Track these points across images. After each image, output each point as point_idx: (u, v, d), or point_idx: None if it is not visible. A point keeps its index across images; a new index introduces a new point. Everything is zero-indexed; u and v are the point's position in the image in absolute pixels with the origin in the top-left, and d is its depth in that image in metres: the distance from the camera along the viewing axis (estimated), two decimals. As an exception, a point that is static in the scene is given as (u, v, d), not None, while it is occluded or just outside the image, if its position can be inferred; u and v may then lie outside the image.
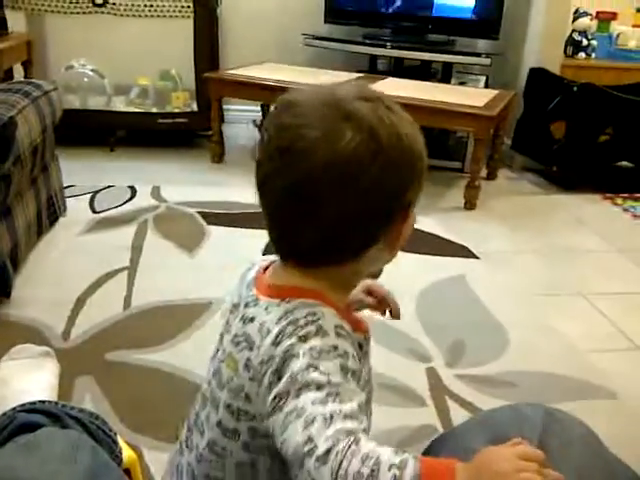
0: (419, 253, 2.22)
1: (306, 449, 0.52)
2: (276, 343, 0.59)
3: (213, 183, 2.82)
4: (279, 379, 0.58)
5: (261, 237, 2.32)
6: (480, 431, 0.60)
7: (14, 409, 0.82)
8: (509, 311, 1.88)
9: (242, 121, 3.80)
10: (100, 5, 2.96)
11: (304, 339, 0.58)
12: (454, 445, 0.63)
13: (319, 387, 0.55)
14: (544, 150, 3.10)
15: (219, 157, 3.12)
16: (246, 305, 0.68)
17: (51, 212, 2.19)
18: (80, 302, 1.76)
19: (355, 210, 0.60)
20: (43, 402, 0.88)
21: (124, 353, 1.54)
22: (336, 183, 0.59)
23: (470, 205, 2.71)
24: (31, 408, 0.82)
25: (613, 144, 3.03)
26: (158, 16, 3.01)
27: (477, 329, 1.78)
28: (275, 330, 0.60)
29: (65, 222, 2.27)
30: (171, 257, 2.07)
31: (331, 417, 0.53)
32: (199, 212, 2.43)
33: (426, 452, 0.65)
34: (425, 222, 2.51)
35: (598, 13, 3.72)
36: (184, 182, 2.81)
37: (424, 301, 1.90)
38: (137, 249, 2.10)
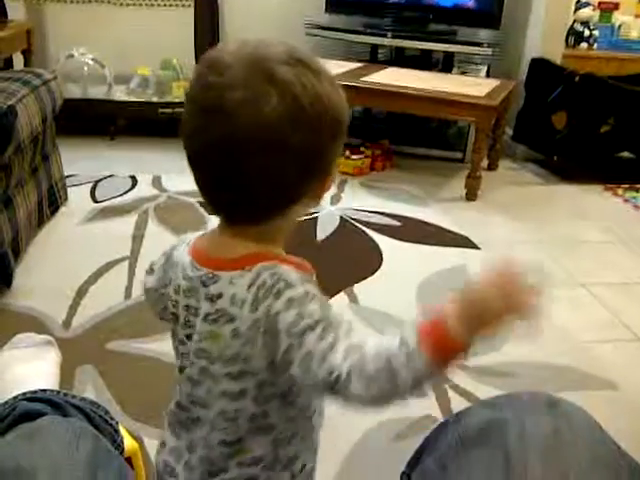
0: (420, 243, 2.23)
1: (332, 379, 0.59)
2: (254, 309, 0.64)
3: (214, 173, 2.82)
4: (273, 338, 0.63)
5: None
6: (479, 413, 0.60)
7: (15, 398, 0.82)
8: (510, 301, 1.88)
9: (243, 111, 3.79)
10: (100, -6, 2.95)
11: (278, 296, 0.63)
12: (455, 426, 0.64)
13: (313, 328, 0.61)
14: (545, 140, 3.10)
15: (220, 147, 3.11)
16: (204, 284, 0.69)
17: (52, 202, 2.19)
18: (81, 292, 1.76)
19: (279, 171, 0.63)
20: (44, 391, 0.88)
21: (125, 342, 1.54)
22: (260, 146, 0.61)
23: (471, 195, 2.71)
24: (32, 397, 0.82)
25: (614, 135, 3.02)
26: (159, 5, 3.00)
27: (477, 319, 1.78)
28: (249, 298, 0.64)
29: (66, 212, 2.27)
30: (172, 247, 2.07)
31: (335, 345, 0.60)
32: (200, 202, 2.42)
33: (429, 437, 0.66)
34: (426, 212, 2.52)
35: (600, 3, 3.71)
36: (185, 172, 2.76)
37: (425, 291, 1.90)
38: (138, 239, 2.10)
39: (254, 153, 0.62)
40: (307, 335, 0.61)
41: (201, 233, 0.76)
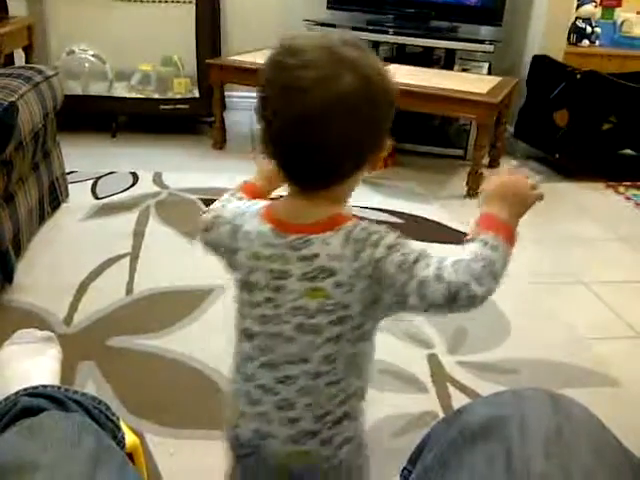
0: (422, 241, 2.22)
1: (453, 293, 0.71)
2: (354, 259, 0.74)
3: (215, 169, 2.81)
4: (379, 281, 0.74)
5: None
6: (480, 409, 0.60)
7: (17, 393, 0.82)
8: (511, 299, 1.88)
9: (244, 107, 3.78)
10: (101, -10, 2.95)
11: (377, 245, 0.74)
12: (456, 422, 0.63)
13: (416, 261, 0.73)
14: (547, 138, 3.09)
15: (221, 143, 3.11)
16: (294, 248, 0.77)
17: (53, 198, 2.19)
18: (82, 288, 1.76)
19: (353, 140, 0.73)
20: (45, 386, 0.88)
21: (126, 339, 1.54)
22: (338, 118, 0.71)
23: (472, 193, 2.70)
24: (34, 392, 0.82)
25: (616, 132, 3.02)
26: (160, 1, 3.00)
27: (479, 316, 1.77)
28: (348, 252, 0.74)
29: (67, 208, 2.27)
30: (173, 243, 2.07)
31: (442, 267, 0.73)
32: (201, 198, 2.43)
33: (430, 433, 0.66)
34: (428, 210, 2.51)
35: (602, 0, 3.70)
36: (186, 168, 2.80)
37: (426, 288, 1.90)
38: (139, 235, 2.10)
39: (333, 124, 0.71)
40: (416, 267, 0.73)
41: (266, 204, 0.85)
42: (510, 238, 0.77)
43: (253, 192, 0.93)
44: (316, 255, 0.76)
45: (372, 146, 0.76)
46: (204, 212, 0.91)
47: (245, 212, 0.84)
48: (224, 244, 0.86)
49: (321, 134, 0.71)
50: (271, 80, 0.74)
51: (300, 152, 0.74)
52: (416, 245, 0.76)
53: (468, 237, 0.78)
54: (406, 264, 0.73)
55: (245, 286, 0.83)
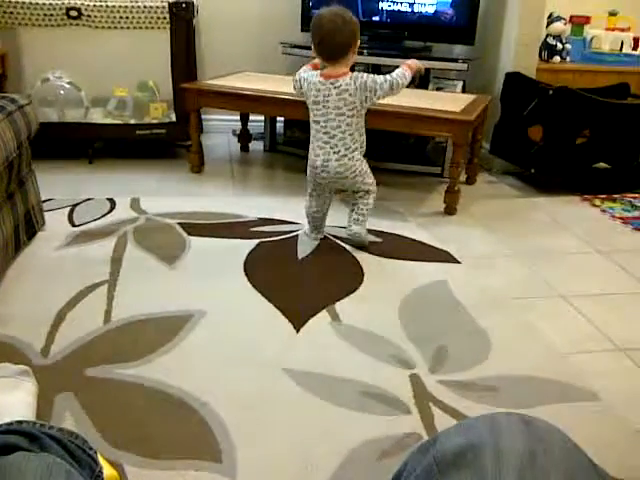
0: (401, 259, 2.23)
1: (388, 86, 2.14)
2: (354, 83, 2.10)
3: (193, 193, 2.81)
4: (364, 89, 2.10)
5: (241, 247, 2.30)
6: (454, 437, 0.60)
7: (-10, 430, 0.80)
8: (491, 315, 1.89)
9: (221, 131, 3.79)
10: (75, 17, 2.95)
11: (363, 77, 2.12)
12: (431, 450, 0.63)
13: (376, 79, 2.12)
14: (522, 153, 3.13)
15: (198, 167, 3.11)
16: (332, 84, 2.10)
17: (29, 227, 2.17)
18: (59, 317, 1.74)
19: (347, 42, 2.09)
20: (20, 422, 0.86)
21: (105, 368, 1.52)
22: (342, 34, 2.07)
23: (450, 210, 2.73)
24: (7, 429, 0.80)
25: (590, 146, 3.07)
26: (134, 28, 3.00)
27: (460, 334, 1.78)
28: (353, 83, 2.11)
29: (44, 236, 2.24)
30: (152, 269, 2.05)
31: (384, 78, 2.13)
32: (179, 223, 2.42)
33: (405, 462, 0.65)
34: (406, 228, 2.53)
35: (572, 17, 3.77)
36: (164, 193, 2.79)
37: (407, 307, 1.90)
38: (117, 262, 2.08)
39: (341, 37, 2.07)
40: (377, 79, 2.11)
41: (318, 72, 2.16)
42: (408, 69, 2.20)
43: (315, 66, 2.23)
44: (341, 85, 2.10)
45: (354, 43, 2.10)
46: (294, 81, 2.25)
47: (310, 75, 2.18)
48: (303, 90, 2.20)
49: (338, 40, 2.07)
50: (320, 24, 2.07)
51: (332, 47, 2.08)
52: (377, 76, 2.12)
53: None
54: (374, 80, 2.10)
55: (313, 103, 2.16)
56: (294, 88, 2.25)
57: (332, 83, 2.10)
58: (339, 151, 2.14)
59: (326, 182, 2.22)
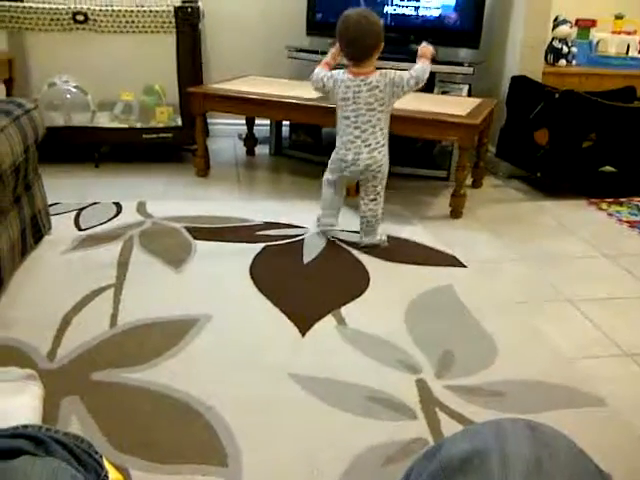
0: (407, 263, 2.23)
1: (416, 77, 2.22)
2: (384, 80, 2.19)
3: (199, 197, 2.82)
4: (392, 84, 2.20)
5: (247, 251, 2.30)
6: (460, 443, 0.60)
7: (-4, 434, 0.80)
8: (497, 319, 1.88)
9: (227, 135, 3.80)
10: (81, 22, 2.96)
11: (391, 74, 2.20)
12: (437, 456, 0.63)
13: (402, 75, 2.21)
14: (528, 157, 3.12)
15: (204, 171, 3.11)
16: (363, 81, 2.20)
17: (36, 231, 2.17)
18: (66, 321, 1.74)
19: (372, 43, 2.18)
20: (26, 426, 0.86)
21: (111, 372, 1.52)
22: (368, 36, 2.17)
23: (456, 213, 2.72)
24: (13, 433, 0.80)
25: (596, 149, 3.06)
26: (140, 32, 3.01)
27: (466, 338, 1.77)
28: (382, 80, 2.20)
29: (50, 240, 2.25)
30: (158, 273, 2.06)
31: (410, 74, 2.22)
32: (185, 227, 2.42)
33: (412, 468, 0.65)
34: (412, 231, 2.52)
35: (578, 20, 3.76)
36: (170, 197, 2.80)
37: (413, 312, 1.90)
38: (123, 266, 2.08)
39: (367, 38, 2.17)
40: (403, 77, 2.19)
41: (344, 70, 2.25)
42: (426, 61, 2.28)
43: (328, 65, 2.31)
44: (371, 82, 2.19)
45: (378, 45, 2.19)
46: (314, 80, 2.31)
47: (337, 73, 2.26)
48: (329, 88, 2.28)
49: (365, 43, 2.17)
50: (347, 27, 2.17)
51: (359, 49, 2.18)
52: (402, 72, 2.21)
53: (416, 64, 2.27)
54: (400, 76, 2.20)
55: (342, 99, 2.23)
56: (316, 89, 2.33)
57: (362, 80, 2.19)
58: (370, 144, 2.23)
59: (352, 175, 2.32)
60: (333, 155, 2.33)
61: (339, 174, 2.34)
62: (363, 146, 2.23)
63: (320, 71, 2.30)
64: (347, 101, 2.22)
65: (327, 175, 2.39)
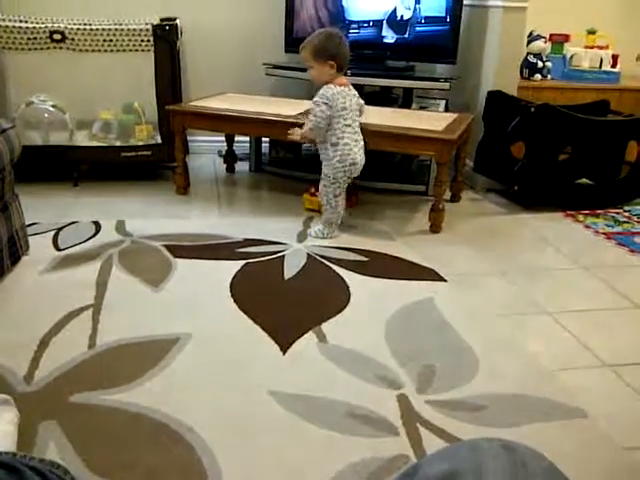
0: (387, 278, 2.23)
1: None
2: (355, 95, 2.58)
3: (179, 215, 2.81)
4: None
5: (227, 269, 2.28)
6: (438, 464, 0.60)
7: (-30, 462, 0.79)
8: (477, 333, 1.89)
9: (207, 152, 3.80)
10: (59, 41, 2.95)
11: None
12: (417, 477, 0.63)
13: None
14: (505, 171, 3.16)
15: (184, 189, 3.11)
16: (351, 89, 2.51)
17: (13, 252, 2.15)
18: (43, 343, 1.72)
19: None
20: (0, 454, 0.85)
21: (89, 394, 1.51)
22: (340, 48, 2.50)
23: (435, 228, 2.74)
24: (-13, 461, 0.79)
25: (572, 162, 3.10)
26: (118, 50, 3.01)
27: (447, 353, 1.78)
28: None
29: (28, 261, 2.23)
30: (137, 293, 2.04)
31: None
32: (165, 245, 2.41)
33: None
34: (392, 246, 2.53)
35: (551, 35, 3.83)
36: (149, 215, 2.79)
37: (393, 326, 1.90)
38: (102, 286, 2.07)
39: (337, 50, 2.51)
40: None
41: (330, 85, 2.46)
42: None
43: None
44: (351, 89, 2.52)
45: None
46: (320, 125, 2.48)
47: (330, 87, 2.46)
48: (328, 113, 2.45)
49: (348, 53, 2.50)
50: (339, 42, 2.46)
51: (347, 60, 2.49)
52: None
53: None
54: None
55: (342, 109, 2.45)
56: (328, 109, 2.46)
57: (349, 89, 2.51)
58: (362, 144, 2.56)
59: (353, 176, 2.60)
60: (337, 165, 2.52)
61: (346, 181, 2.58)
62: (360, 146, 2.55)
63: (318, 116, 2.47)
64: (346, 110, 2.47)
65: (337, 190, 2.58)
